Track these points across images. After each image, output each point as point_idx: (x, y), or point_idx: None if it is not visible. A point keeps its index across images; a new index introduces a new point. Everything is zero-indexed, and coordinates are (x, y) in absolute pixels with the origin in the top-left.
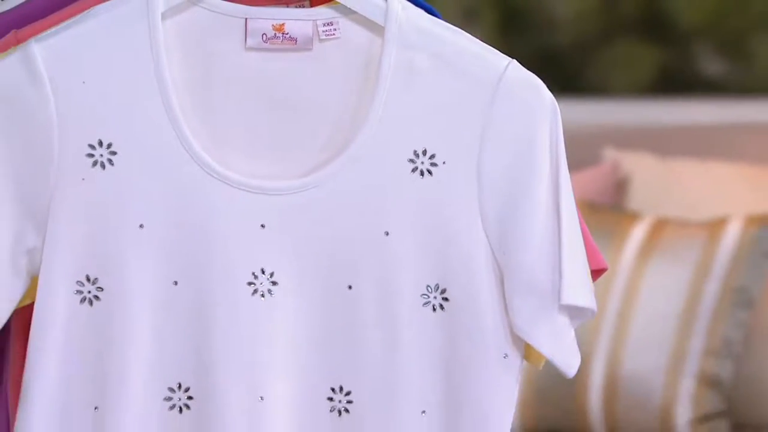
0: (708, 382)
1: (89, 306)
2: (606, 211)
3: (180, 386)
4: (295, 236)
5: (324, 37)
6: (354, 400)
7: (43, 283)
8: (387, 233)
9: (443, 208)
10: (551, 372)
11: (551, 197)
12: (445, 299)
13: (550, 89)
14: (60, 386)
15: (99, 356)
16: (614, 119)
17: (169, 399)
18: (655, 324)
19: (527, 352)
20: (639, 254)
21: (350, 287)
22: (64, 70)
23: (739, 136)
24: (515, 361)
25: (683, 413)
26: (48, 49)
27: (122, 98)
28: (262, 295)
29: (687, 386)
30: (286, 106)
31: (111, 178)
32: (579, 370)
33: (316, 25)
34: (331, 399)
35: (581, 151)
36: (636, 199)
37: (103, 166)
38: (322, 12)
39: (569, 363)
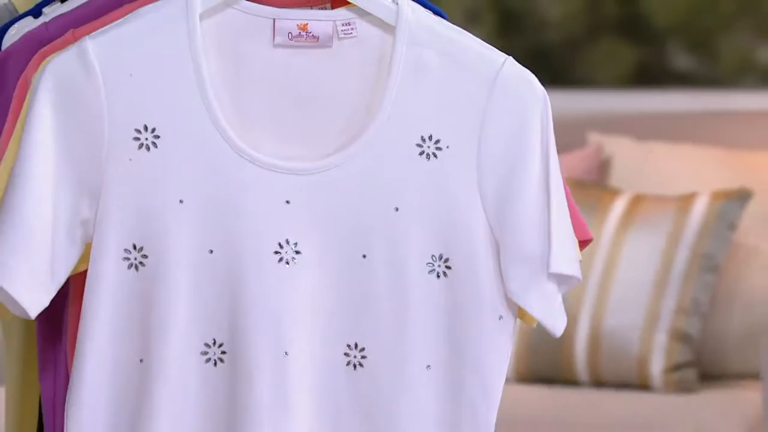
0: (679, 337)
1: (135, 271)
2: (591, 187)
3: (215, 342)
4: (315, 211)
5: (342, 35)
6: (367, 356)
7: (96, 251)
8: (397, 209)
9: (446, 188)
10: (543, 329)
11: (542, 178)
12: (448, 267)
13: (541, 82)
14: (109, 341)
15: (143, 315)
16: (598, 108)
17: (205, 353)
18: (633, 286)
19: (521, 314)
20: (619, 226)
21: (364, 256)
22: (113, 64)
23: (707, 123)
24: (509, 322)
25: (657, 364)
26: (100, 45)
27: (164, 89)
28: (287, 263)
29: (660, 340)
30: (309, 97)
31: (154, 159)
32: (566, 327)
33: (336, 25)
34: (347, 354)
35: (569, 136)
36: (617, 178)
37: (147, 148)
38: (341, 13)
39: (556, 324)
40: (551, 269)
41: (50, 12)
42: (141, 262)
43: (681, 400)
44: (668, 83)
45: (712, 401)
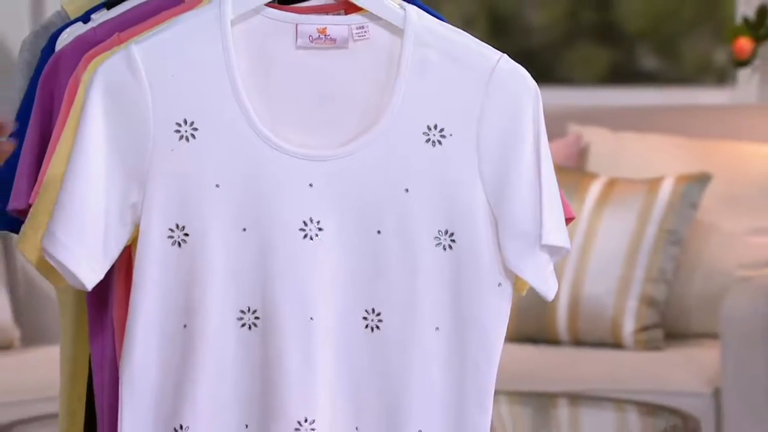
0: (647, 301)
1: (178, 247)
2: (571, 172)
3: (249, 309)
4: (335, 193)
5: (357, 38)
6: (383, 320)
7: (143, 230)
8: (407, 190)
9: (450, 171)
10: (528, 294)
11: (534, 162)
12: (453, 241)
13: None
14: (157, 309)
15: (186, 286)
16: (576, 102)
17: (241, 319)
18: (607, 258)
19: (517, 281)
20: (596, 205)
21: (379, 232)
22: (156, 66)
23: (671, 115)
24: (507, 289)
25: (628, 325)
26: (144, 49)
27: (201, 86)
28: (311, 239)
29: (631, 305)
30: (328, 92)
31: (193, 149)
32: None
33: (351, 29)
34: (365, 318)
35: (551, 127)
36: (593, 163)
37: (187, 139)
38: (355, 18)
39: (549, 289)
40: (543, 241)
41: (98, 18)
42: (183, 240)
43: (649, 356)
44: (637, 81)
45: (676, 358)
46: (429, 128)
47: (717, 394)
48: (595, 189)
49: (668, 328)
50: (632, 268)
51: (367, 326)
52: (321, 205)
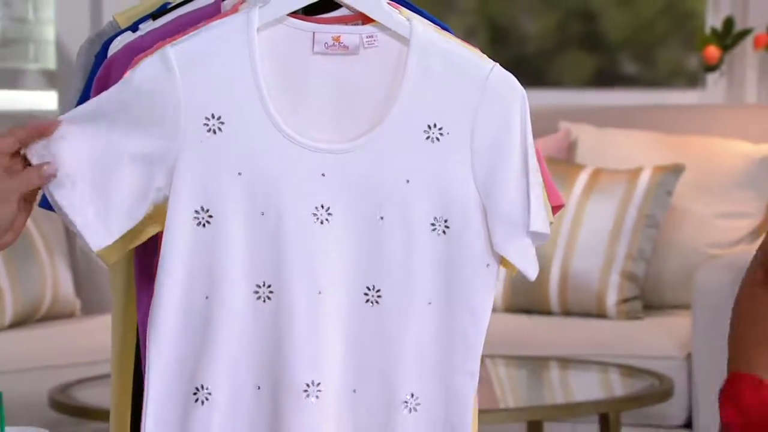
0: (628, 276)
1: (203, 228)
2: (561, 163)
3: (264, 283)
4: (345, 182)
5: (367, 45)
6: (382, 295)
7: (171, 211)
8: (408, 181)
9: (446, 165)
10: (520, 273)
11: (521, 158)
12: (447, 227)
13: (522, 83)
14: (182, 281)
15: (209, 262)
16: (565, 102)
17: (257, 292)
18: (593, 238)
19: (505, 263)
20: (583, 192)
21: (381, 218)
22: (188, 65)
23: (649, 114)
24: (494, 269)
25: (611, 297)
26: (179, 51)
27: (228, 85)
28: (321, 222)
29: (614, 279)
30: (340, 93)
31: (219, 141)
32: (542, 268)
33: (362, 37)
34: (366, 294)
35: (544, 124)
36: (581, 156)
37: (214, 132)
38: (366, 28)
39: (530, 270)
40: (530, 228)
41: (144, 27)
42: (207, 221)
43: (629, 325)
44: (619, 84)
45: (653, 326)
46: (429, 127)
47: (689, 358)
48: (582, 178)
49: (646, 300)
50: (615, 248)
51: (367, 301)
52: (331, 193)
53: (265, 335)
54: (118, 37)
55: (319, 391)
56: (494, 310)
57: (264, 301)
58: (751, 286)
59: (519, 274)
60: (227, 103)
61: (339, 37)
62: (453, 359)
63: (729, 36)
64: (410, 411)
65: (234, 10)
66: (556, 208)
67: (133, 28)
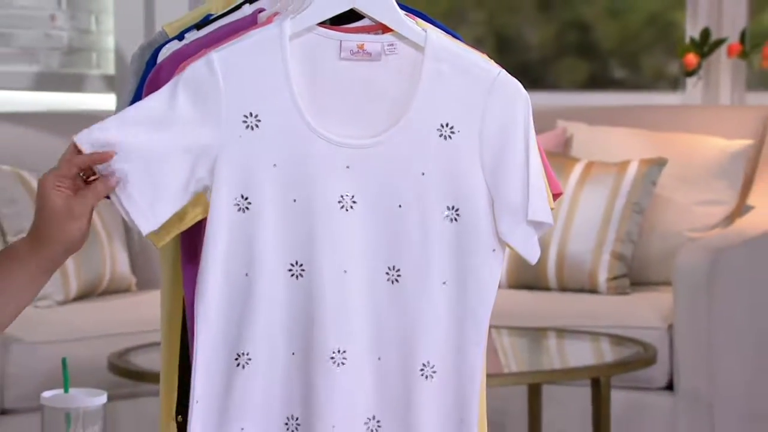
0: (617, 257)
1: (242, 213)
2: (558, 157)
3: (297, 262)
4: (367, 173)
5: (388, 52)
6: (401, 275)
7: (214, 199)
8: (423, 173)
9: (457, 159)
10: None
11: (524, 154)
12: (458, 215)
13: (524, 86)
14: (225, 260)
15: (248, 243)
16: (563, 103)
17: (290, 270)
18: (587, 223)
19: (510, 247)
20: (578, 182)
21: (400, 206)
22: (230, 69)
23: (636, 113)
24: (500, 254)
25: (602, 275)
26: (221, 56)
27: (264, 86)
28: (347, 210)
29: (605, 259)
30: (364, 94)
31: (256, 136)
32: (541, 250)
33: (383, 45)
34: (387, 273)
35: (544, 122)
36: (576, 150)
37: (252, 128)
38: (386, 37)
39: (532, 256)
40: (529, 217)
41: (190, 36)
42: (246, 207)
43: (618, 299)
44: (609, 87)
45: (640, 300)
46: (442, 126)
47: (670, 328)
48: (577, 170)
49: (633, 277)
50: (605, 231)
51: (388, 279)
52: (355, 183)
53: (298, 308)
54: (167, 45)
55: (345, 358)
56: (499, 286)
57: (297, 278)
58: None
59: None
60: (263, 103)
61: (363, 44)
62: (464, 332)
63: (706, 45)
64: (426, 378)
65: (269, 21)
66: (555, 196)
67: (180, 37)
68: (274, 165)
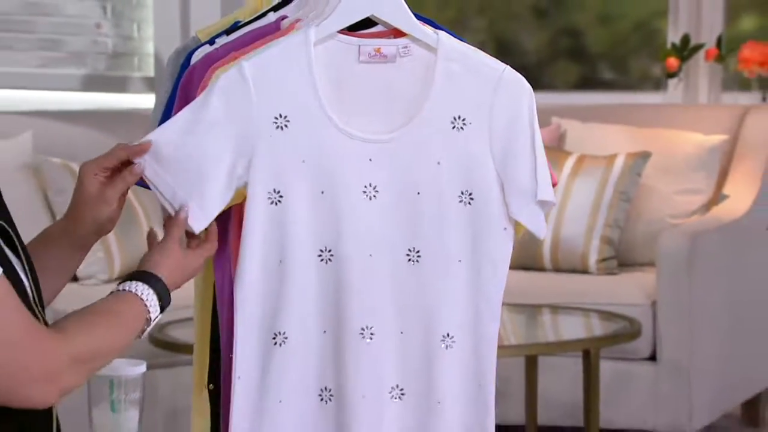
0: (606, 241)
1: (275, 206)
2: (553, 150)
3: (326, 248)
4: (388, 165)
5: (403, 54)
6: (421, 255)
7: (250, 193)
8: (439, 163)
9: (469, 150)
10: (523, 236)
11: (530, 141)
12: (472, 199)
13: None
14: (260, 249)
15: (281, 232)
16: (557, 102)
17: (320, 256)
18: (579, 210)
19: (517, 225)
20: (570, 173)
21: (418, 193)
22: (260, 74)
23: (623, 111)
24: (510, 232)
25: (593, 257)
26: (252, 63)
27: (292, 89)
28: (370, 198)
29: (595, 243)
30: (382, 93)
31: (286, 135)
32: None
33: (398, 48)
34: (408, 254)
35: (540, 119)
36: (569, 145)
37: (281, 128)
38: (401, 41)
39: (540, 231)
40: (537, 197)
41: (220, 41)
42: (279, 200)
43: (607, 279)
44: (599, 88)
45: (626, 280)
46: (455, 119)
47: (654, 305)
48: (569, 162)
49: (620, 259)
50: (595, 218)
51: (409, 260)
52: (377, 174)
53: (328, 290)
54: (199, 49)
55: (372, 333)
56: None
57: (326, 263)
58: None
59: (527, 234)
60: (291, 104)
61: (380, 48)
62: (479, 306)
63: (686, 50)
64: (446, 348)
65: (291, 27)
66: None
67: (211, 41)
68: (303, 161)
